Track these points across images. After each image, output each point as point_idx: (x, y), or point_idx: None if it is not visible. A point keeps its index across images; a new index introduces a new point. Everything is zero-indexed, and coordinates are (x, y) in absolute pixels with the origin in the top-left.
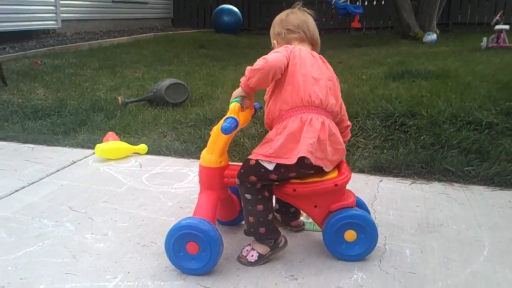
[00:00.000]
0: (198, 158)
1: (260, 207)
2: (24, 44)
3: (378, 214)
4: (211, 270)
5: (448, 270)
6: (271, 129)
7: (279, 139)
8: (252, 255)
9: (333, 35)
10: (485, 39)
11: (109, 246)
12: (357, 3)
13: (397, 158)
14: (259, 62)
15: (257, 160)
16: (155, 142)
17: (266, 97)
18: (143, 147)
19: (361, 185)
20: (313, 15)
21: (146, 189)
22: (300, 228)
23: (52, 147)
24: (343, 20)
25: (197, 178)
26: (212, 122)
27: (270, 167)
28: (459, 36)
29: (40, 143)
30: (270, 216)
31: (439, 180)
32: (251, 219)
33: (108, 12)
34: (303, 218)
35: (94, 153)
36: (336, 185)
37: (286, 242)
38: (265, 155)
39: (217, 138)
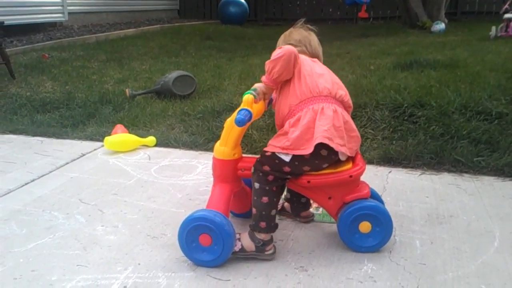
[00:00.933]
0: (207, 150)
1: (265, 199)
2: (31, 37)
3: (388, 205)
4: (222, 264)
5: (459, 261)
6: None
7: (295, 131)
8: (236, 245)
9: (340, 25)
10: (494, 28)
11: (120, 238)
12: None
13: (406, 149)
14: (277, 52)
15: (273, 153)
16: (164, 134)
17: (274, 103)
18: (151, 139)
19: (370, 176)
20: (315, 31)
21: (155, 181)
22: (309, 219)
23: (61, 140)
24: (350, 10)
25: (205, 170)
26: (220, 114)
27: (287, 158)
28: (468, 25)
29: (49, 136)
30: (273, 212)
31: (449, 171)
32: (254, 210)
33: (114, 4)
34: (312, 209)
35: (103, 145)
36: (350, 176)
37: (274, 253)
38: (282, 147)
39: (230, 130)
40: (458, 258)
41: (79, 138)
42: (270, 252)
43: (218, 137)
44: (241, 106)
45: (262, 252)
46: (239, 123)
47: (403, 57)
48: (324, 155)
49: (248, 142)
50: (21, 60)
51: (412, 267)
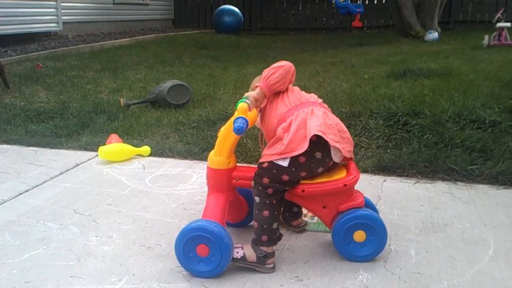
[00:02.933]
0: (201, 159)
1: (266, 213)
2: (26, 46)
3: (383, 214)
4: (219, 275)
5: (454, 270)
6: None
7: (288, 135)
8: (237, 252)
9: (334, 34)
10: (486, 37)
11: (114, 249)
12: (358, 2)
13: (401, 158)
14: (277, 63)
15: (269, 162)
16: (158, 143)
17: (258, 122)
18: (146, 149)
19: (364, 185)
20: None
21: (149, 191)
22: (301, 228)
23: (55, 150)
24: (344, 19)
25: (200, 180)
26: (215, 123)
27: (285, 163)
28: (461, 34)
29: (43, 146)
30: (275, 225)
31: (443, 179)
32: (255, 224)
33: (109, 13)
34: (307, 218)
35: (97, 155)
36: (345, 185)
37: (273, 267)
38: (279, 153)
39: (225, 139)
40: (453, 267)
41: (73, 148)
42: (271, 266)
43: (212, 147)
44: (236, 115)
45: (263, 264)
46: (238, 131)
47: (397, 66)
48: (319, 158)
49: (243, 151)
50: (16, 70)
51: (407, 276)
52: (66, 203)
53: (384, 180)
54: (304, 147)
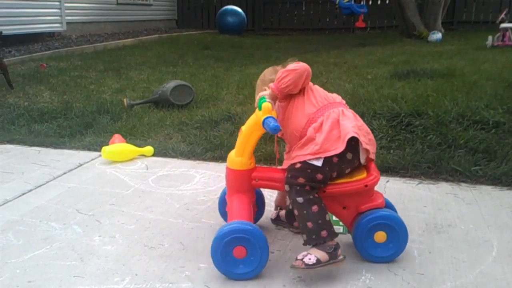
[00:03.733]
0: (204, 159)
1: (315, 207)
2: (29, 47)
3: None
4: (259, 274)
5: (457, 271)
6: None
7: (321, 135)
8: (310, 258)
9: (338, 35)
10: (490, 37)
11: (117, 249)
12: (361, 2)
13: (404, 158)
14: (292, 65)
15: (303, 162)
16: (161, 144)
17: (279, 121)
18: (149, 149)
19: None
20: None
21: (152, 191)
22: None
23: (58, 150)
24: (348, 19)
25: (203, 180)
26: (218, 123)
27: (319, 163)
28: (464, 35)
29: (47, 146)
30: (327, 217)
31: (447, 180)
32: (309, 224)
33: (112, 14)
34: None
35: (100, 155)
36: (366, 185)
37: (344, 258)
38: (313, 153)
39: (247, 139)
40: (456, 268)
41: (77, 148)
42: (342, 257)
43: (215, 147)
44: (262, 115)
45: (336, 258)
46: (275, 130)
47: (400, 66)
48: (349, 159)
49: None
50: (19, 70)
51: (410, 277)
52: (69, 203)
53: (387, 181)
54: (339, 148)
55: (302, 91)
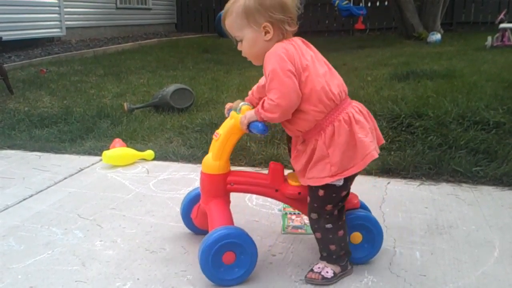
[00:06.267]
0: None
1: (341, 232)
2: (29, 52)
3: (387, 217)
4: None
5: (459, 272)
6: (301, 138)
7: (335, 152)
8: (327, 272)
9: (337, 37)
10: (489, 38)
11: (118, 253)
12: (360, 4)
13: (405, 160)
14: (270, 107)
15: (325, 188)
16: (162, 148)
17: None
18: (149, 153)
19: (368, 188)
20: None
21: (153, 195)
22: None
23: (59, 155)
24: (347, 21)
25: None
26: (218, 127)
27: (340, 182)
28: (464, 36)
29: (47, 151)
30: (347, 238)
31: (448, 181)
32: (332, 247)
33: (112, 18)
34: (302, 222)
35: (101, 160)
36: None
37: (352, 267)
38: (331, 175)
39: (226, 143)
40: (458, 269)
41: (77, 153)
42: (350, 267)
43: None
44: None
45: (346, 269)
46: (264, 131)
47: (400, 67)
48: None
49: (246, 155)
50: (19, 75)
51: (412, 278)
52: (70, 208)
53: (388, 183)
54: (358, 165)
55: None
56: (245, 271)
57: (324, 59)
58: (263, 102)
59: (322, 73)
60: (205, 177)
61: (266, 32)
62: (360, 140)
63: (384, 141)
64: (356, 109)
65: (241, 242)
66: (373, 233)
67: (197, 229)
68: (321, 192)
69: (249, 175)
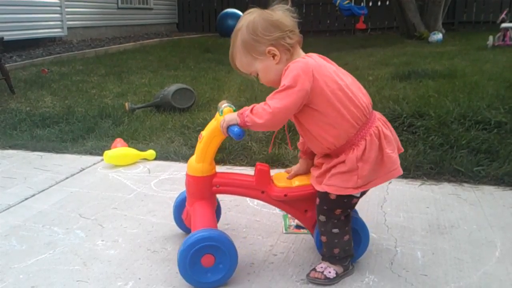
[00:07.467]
0: None
1: (346, 237)
2: (31, 52)
3: (388, 216)
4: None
5: (461, 272)
6: (327, 154)
7: (365, 166)
8: (330, 272)
9: (338, 36)
10: (491, 37)
11: (120, 253)
12: (362, 4)
13: (406, 159)
14: (263, 112)
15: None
16: (163, 147)
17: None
18: (151, 153)
19: None
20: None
21: (155, 195)
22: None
23: (61, 155)
24: (348, 21)
25: None
26: None
27: (358, 194)
28: (465, 35)
29: (49, 151)
30: (351, 242)
31: (449, 181)
32: (336, 250)
33: (113, 18)
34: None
35: (102, 160)
36: None
37: (353, 267)
38: (355, 187)
39: (209, 145)
40: (460, 269)
41: (79, 153)
42: (351, 267)
43: (219, 151)
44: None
45: (348, 269)
46: (239, 137)
47: (401, 67)
48: None
49: (247, 155)
50: (21, 75)
51: (414, 278)
52: (72, 208)
53: (390, 182)
54: (382, 180)
55: (325, 97)
56: (223, 275)
57: (348, 73)
58: (253, 106)
59: (344, 80)
60: (189, 179)
61: (274, 56)
62: (388, 156)
63: (403, 150)
64: (382, 122)
65: (221, 245)
66: (358, 233)
67: (189, 230)
68: (333, 196)
69: (235, 177)
